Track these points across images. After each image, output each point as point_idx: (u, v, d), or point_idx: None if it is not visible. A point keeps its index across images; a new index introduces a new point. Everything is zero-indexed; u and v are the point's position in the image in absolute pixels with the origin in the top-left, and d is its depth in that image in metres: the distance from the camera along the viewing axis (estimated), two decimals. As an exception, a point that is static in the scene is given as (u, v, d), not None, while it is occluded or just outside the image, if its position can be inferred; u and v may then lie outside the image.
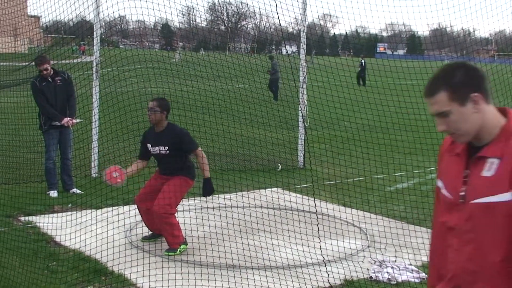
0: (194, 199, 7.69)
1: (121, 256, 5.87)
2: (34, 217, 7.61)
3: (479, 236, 2.30)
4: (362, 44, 76.12)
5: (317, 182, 9.48)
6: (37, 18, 14.23)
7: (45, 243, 6.69)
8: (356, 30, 72.25)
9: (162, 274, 5.59)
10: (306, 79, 10.94)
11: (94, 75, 9.91)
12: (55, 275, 5.71)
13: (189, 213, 7.19)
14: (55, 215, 7.44)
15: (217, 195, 7.95)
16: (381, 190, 9.39)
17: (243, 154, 11.19)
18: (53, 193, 8.76)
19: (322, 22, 49.82)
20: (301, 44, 10.71)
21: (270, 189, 8.95)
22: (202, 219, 6.91)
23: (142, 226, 6.91)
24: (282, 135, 11.63)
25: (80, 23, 11.72)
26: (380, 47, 77.24)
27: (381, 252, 6.54)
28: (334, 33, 78.28)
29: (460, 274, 2.36)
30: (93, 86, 9.85)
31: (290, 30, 24.41)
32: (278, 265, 6.11)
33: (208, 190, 6.46)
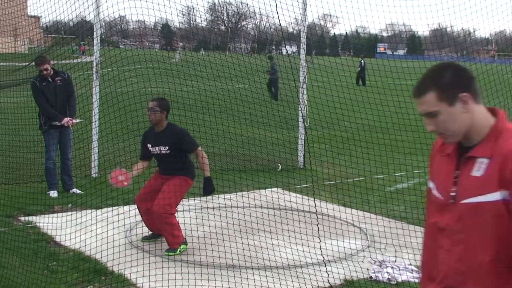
0: (194, 199, 7.70)
1: (121, 256, 5.87)
2: (34, 217, 7.60)
3: (469, 236, 2.29)
4: (362, 44, 76.14)
5: (317, 182, 9.48)
6: (37, 18, 14.25)
7: (45, 243, 6.69)
8: (356, 30, 72.38)
9: (162, 274, 5.59)
10: (306, 79, 10.94)
11: (94, 75, 9.91)
12: (55, 275, 5.71)
13: (189, 213, 7.19)
14: (55, 215, 7.44)
15: (217, 195, 7.96)
16: (381, 190, 9.39)
17: (243, 154, 11.19)
18: (53, 193, 8.76)
19: (322, 22, 49.93)
20: (301, 44, 10.71)
21: (270, 189, 8.95)
22: (202, 219, 6.91)
23: (142, 226, 6.92)
24: (282, 135, 11.62)
25: (80, 23, 11.72)
26: (380, 47, 77.28)
27: (381, 252, 6.54)
28: (334, 33, 78.42)
29: (451, 274, 2.35)
30: (93, 86, 9.85)
31: (290, 30, 24.43)
32: (278, 265, 6.11)
33: (208, 189, 6.47)
